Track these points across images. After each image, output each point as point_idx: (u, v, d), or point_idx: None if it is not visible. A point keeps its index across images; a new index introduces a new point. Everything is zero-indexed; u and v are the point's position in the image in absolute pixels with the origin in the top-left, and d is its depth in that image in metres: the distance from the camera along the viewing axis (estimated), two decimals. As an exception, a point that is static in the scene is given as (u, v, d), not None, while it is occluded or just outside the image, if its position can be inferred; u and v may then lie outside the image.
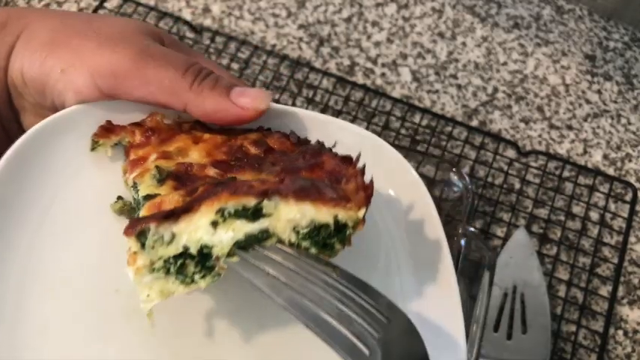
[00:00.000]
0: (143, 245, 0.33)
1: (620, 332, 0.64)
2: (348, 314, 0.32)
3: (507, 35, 0.85)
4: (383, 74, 0.79)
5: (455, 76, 0.80)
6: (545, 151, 0.75)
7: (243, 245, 0.35)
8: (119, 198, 0.42)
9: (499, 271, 0.62)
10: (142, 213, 0.35)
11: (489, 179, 0.72)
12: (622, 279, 0.67)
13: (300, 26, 0.82)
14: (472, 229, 0.61)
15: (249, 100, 0.41)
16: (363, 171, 0.37)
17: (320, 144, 0.41)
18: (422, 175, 0.48)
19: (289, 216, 0.35)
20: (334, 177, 0.38)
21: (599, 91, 0.81)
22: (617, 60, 0.84)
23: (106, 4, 0.81)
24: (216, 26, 0.81)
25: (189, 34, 0.79)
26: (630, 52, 0.85)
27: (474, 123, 0.76)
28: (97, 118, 0.42)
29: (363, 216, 0.36)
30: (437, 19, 0.85)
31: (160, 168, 0.38)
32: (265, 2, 0.84)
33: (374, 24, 0.84)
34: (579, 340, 0.63)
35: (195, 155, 0.41)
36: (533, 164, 0.73)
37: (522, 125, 0.77)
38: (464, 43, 0.83)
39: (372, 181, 0.37)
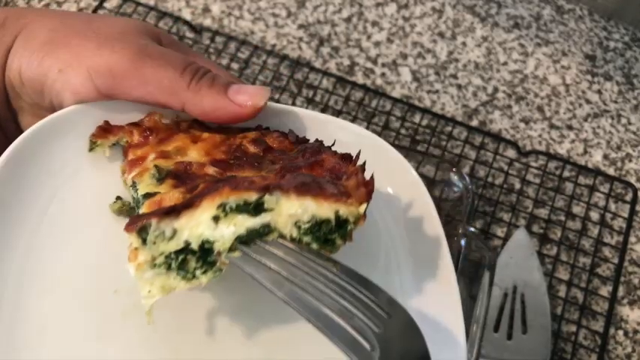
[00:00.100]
0: (144, 241, 0.33)
1: (621, 332, 0.64)
2: (349, 309, 0.32)
3: (507, 35, 0.85)
4: (383, 74, 0.79)
5: (455, 76, 0.80)
6: (545, 151, 0.75)
7: (245, 240, 0.35)
8: (118, 198, 0.42)
9: (499, 271, 0.62)
10: (142, 210, 0.35)
11: (489, 179, 0.72)
12: (622, 279, 0.67)
13: (300, 26, 0.82)
14: (472, 229, 0.61)
15: (247, 98, 0.41)
16: (363, 168, 0.37)
17: (319, 142, 0.41)
18: (422, 175, 0.48)
19: (290, 211, 0.35)
20: (334, 174, 0.38)
21: (599, 91, 0.81)
22: (617, 60, 0.84)
23: (105, 4, 0.81)
24: (216, 26, 0.81)
25: (189, 34, 0.79)
26: (630, 52, 0.85)
27: (474, 123, 0.76)
28: (95, 119, 0.42)
29: (364, 211, 0.36)
30: (437, 19, 0.85)
31: (159, 167, 0.38)
32: (265, 2, 0.84)
33: (374, 24, 0.84)
34: (579, 340, 0.63)
35: (194, 154, 0.41)
36: (533, 164, 0.73)
37: (522, 125, 0.77)
38: (464, 43, 0.83)
39: (372, 177, 0.37)
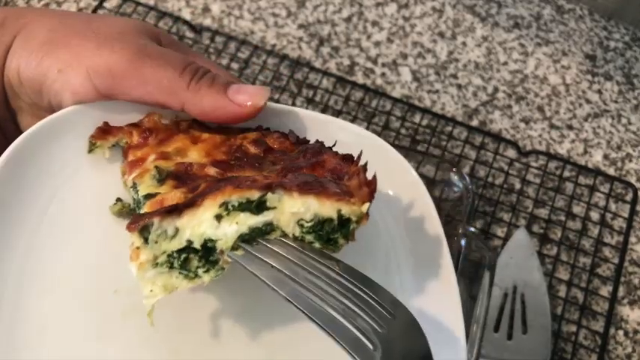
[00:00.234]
0: (146, 240, 0.33)
1: (621, 332, 0.64)
2: (352, 309, 0.32)
3: (507, 35, 0.85)
4: (383, 74, 0.79)
5: (455, 76, 0.80)
6: (545, 151, 0.75)
7: (247, 239, 0.35)
8: (118, 200, 0.42)
9: (499, 271, 0.62)
10: (144, 211, 0.35)
11: (489, 179, 0.72)
12: (622, 279, 0.67)
13: (300, 26, 0.82)
14: (472, 229, 0.61)
15: (247, 97, 0.41)
16: (365, 168, 0.37)
17: (320, 143, 0.41)
18: (422, 175, 0.48)
19: (293, 209, 0.35)
20: (336, 175, 0.38)
21: (599, 91, 0.81)
22: (617, 60, 0.84)
23: (105, 4, 0.81)
24: (216, 26, 0.81)
25: (189, 34, 0.79)
26: (631, 52, 0.85)
27: (474, 123, 0.76)
28: (95, 119, 0.42)
29: (367, 211, 0.36)
30: (437, 19, 0.85)
31: (160, 168, 0.38)
32: (265, 2, 0.84)
33: (374, 24, 0.84)
34: (580, 340, 0.63)
35: (195, 155, 0.41)
36: (533, 164, 0.73)
37: (523, 125, 0.77)
38: (464, 43, 0.83)
39: (375, 177, 0.37)
